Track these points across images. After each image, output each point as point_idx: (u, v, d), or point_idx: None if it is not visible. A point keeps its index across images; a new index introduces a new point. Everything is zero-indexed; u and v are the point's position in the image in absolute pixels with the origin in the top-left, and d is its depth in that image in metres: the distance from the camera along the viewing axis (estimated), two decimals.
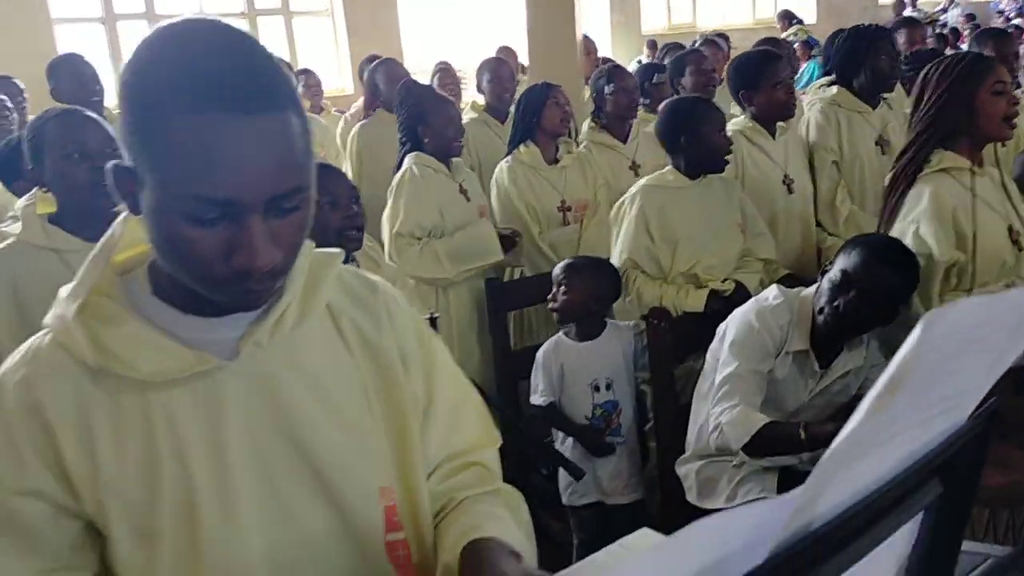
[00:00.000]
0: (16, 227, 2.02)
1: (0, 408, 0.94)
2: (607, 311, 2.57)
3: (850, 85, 3.07)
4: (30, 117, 2.56)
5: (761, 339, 1.99)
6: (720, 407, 1.94)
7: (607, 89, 3.42)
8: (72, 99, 3.31)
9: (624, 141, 3.46)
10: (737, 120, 2.98)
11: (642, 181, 2.67)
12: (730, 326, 2.06)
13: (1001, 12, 12.52)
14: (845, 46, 3.10)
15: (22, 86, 4.01)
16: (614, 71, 3.50)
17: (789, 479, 2.02)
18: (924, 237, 2.12)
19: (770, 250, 2.73)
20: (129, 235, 0.99)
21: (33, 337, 0.98)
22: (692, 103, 2.72)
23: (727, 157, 2.60)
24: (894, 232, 2.18)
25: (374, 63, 4.43)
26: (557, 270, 2.50)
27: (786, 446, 1.89)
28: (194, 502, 0.94)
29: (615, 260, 2.61)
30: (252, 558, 0.96)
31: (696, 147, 2.55)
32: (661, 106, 2.99)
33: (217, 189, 0.84)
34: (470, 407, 1.14)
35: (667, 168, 2.65)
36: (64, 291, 0.98)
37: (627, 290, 2.57)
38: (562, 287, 2.45)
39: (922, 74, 2.23)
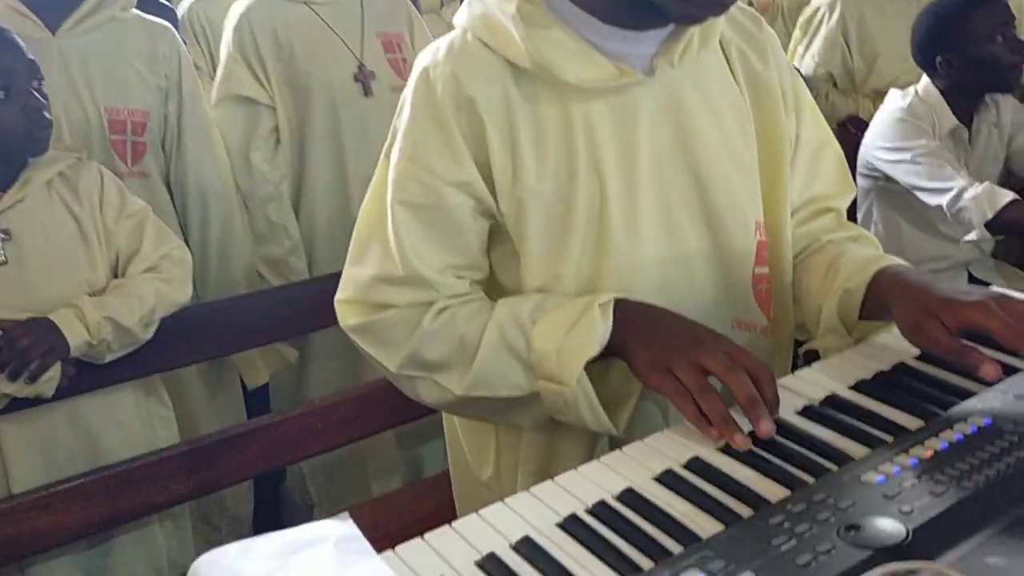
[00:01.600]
0: None
1: (432, 100, 0.96)
2: None
3: None
4: None
5: (919, 126, 2.00)
6: (946, 179, 1.92)
7: None
8: None
9: None
10: None
11: None
12: (874, 144, 2.05)
13: None
14: None
15: None
16: None
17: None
18: None
19: None
20: None
21: (448, 35, 0.99)
22: None
23: None
24: None
25: None
26: None
27: None
28: (605, 207, 0.97)
29: (806, 69, 2.54)
30: (646, 263, 0.99)
31: None
32: None
33: None
34: (830, 152, 1.14)
35: None
36: None
37: (821, 101, 2.51)
38: None
39: None
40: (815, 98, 2.49)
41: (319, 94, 2.07)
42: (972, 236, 1.95)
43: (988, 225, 1.87)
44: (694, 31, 0.98)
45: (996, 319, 0.86)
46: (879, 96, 2.46)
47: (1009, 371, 0.88)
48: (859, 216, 2.20)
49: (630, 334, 0.91)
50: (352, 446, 1.87)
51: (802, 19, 2.63)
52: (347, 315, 1.03)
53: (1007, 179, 2.18)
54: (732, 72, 1.04)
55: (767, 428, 0.81)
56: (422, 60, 0.99)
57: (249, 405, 2.17)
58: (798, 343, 1.14)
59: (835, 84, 2.52)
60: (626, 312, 0.92)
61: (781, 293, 1.09)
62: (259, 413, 1.97)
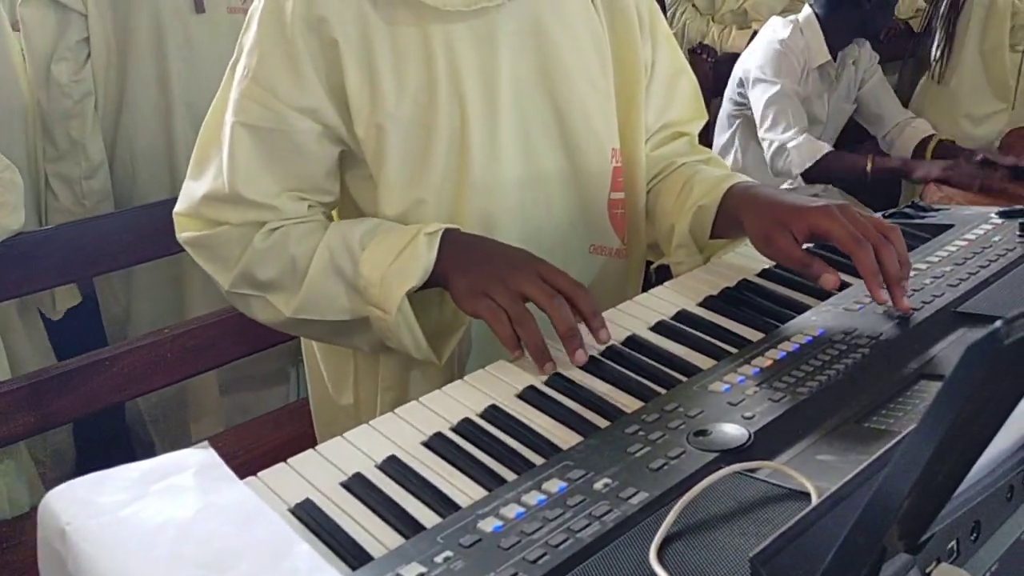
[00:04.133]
0: None
1: (281, 18, 0.92)
2: None
3: None
4: None
5: (790, 59, 2.12)
6: (777, 130, 2.04)
7: None
8: None
9: None
10: None
11: None
12: (750, 62, 2.16)
13: None
14: None
15: None
16: None
17: None
18: None
19: None
20: None
21: None
22: None
23: None
24: None
25: None
26: None
27: (847, 173, 2.04)
28: (465, 130, 0.97)
29: None
30: (506, 187, 1.01)
31: None
32: None
33: None
34: (685, 79, 1.17)
35: None
36: None
37: (673, 22, 2.58)
38: None
39: None
40: (670, 17, 2.58)
41: (143, 6, 1.89)
42: (788, 184, 2.09)
43: (805, 174, 2.01)
44: None
45: (837, 224, 0.91)
46: (735, 18, 2.57)
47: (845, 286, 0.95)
48: (719, 141, 2.29)
49: (453, 263, 0.91)
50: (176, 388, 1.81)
51: None
52: (182, 228, 1.01)
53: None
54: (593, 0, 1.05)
55: (580, 358, 0.84)
56: None
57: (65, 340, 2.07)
58: (649, 262, 1.19)
59: (694, 5, 2.60)
60: (452, 242, 0.93)
61: (635, 217, 1.13)
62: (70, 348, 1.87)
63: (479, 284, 0.89)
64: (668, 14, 2.59)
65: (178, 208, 1.01)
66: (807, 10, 2.19)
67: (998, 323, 0.36)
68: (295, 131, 0.94)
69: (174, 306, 2.04)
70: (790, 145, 2.03)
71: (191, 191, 1.00)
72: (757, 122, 2.11)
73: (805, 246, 0.94)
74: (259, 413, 1.87)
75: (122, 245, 1.70)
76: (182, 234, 1.01)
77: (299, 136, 0.95)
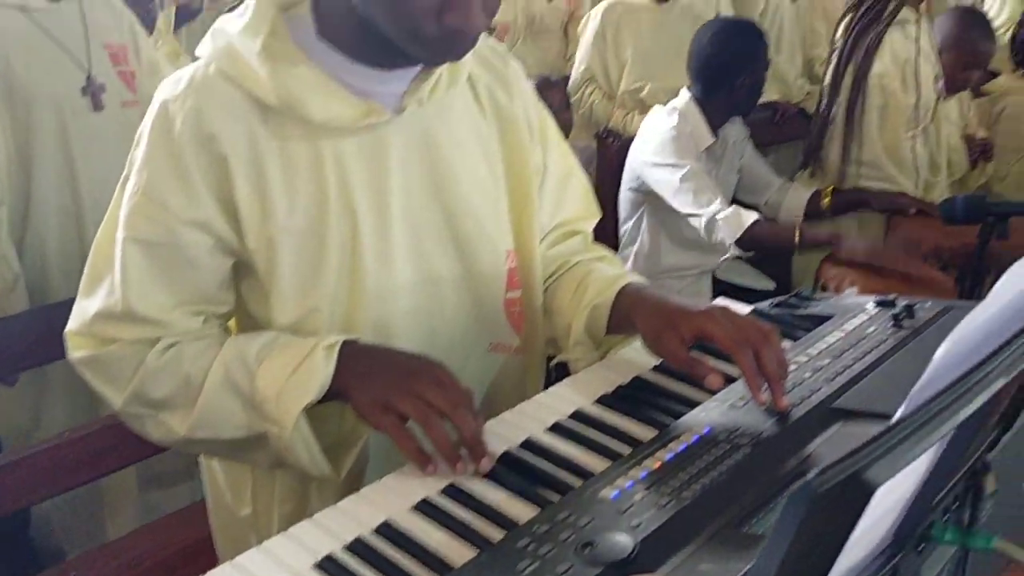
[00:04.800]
0: None
1: (170, 136, 0.93)
2: None
3: None
4: None
5: (687, 142, 2.22)
6: (701, 207, 2.11)
7: None
8: None
9: None
10: None
11: None
12: (645, 151, 2.24)
13: None
14: None
15: None
16: None
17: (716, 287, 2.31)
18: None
19: None
20: None
21: (190, 67, 0.96)
22: None
23: None
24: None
25: None
26: None
27: (777, 241, 2.10)
28: (357, 240, 0.98)
29: (574, 72, 2.70)
30: (400, 288, 1.02)
31: None
32: None
33: None
34: (577, 179, 1.21)
35: None
36: (228, 23, 0.95)
37: (581, 104, 2.67)
38: None
39: None
40: (578, 100, 2.67)
41: (43, 109, 1.87)
42: (728, 255, 2.18)
43: (738, 242, 2.08)
44: (443, 70, 1.01)
45: (720, 328, 0.95)
46: (635, 103, 2.67)
47: (730, 380, 0.99)
48: (625, 228, 2.36)
49: (352, 376, 0.92)
50: (92, 486, 1.76)
51: (579, 28, 2.81)
52: (75, 347, 1.00)
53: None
54: (480, 107, 1.08)
55: (462, 470, 0.86)
56: (161, 92, 0.95)
57: None
58: (549, 357, 1.21)
59: (598, 88, 2.70)
60: (350, 354, 0.93)
61: (532, 315, 1.15)
62: None
63: (380, 396, 0.90)
64: (575, 97, 2.69)
65: (70, 327, 1.00)
66: (685, 95, 2.28)
67: (812, 474, 0.39)
68: (187, 244, 0.95)
69: (87, 405, 1.98)
70: (719, 217, 2.09)
71: (83, 309, 0.99)
72: (677, 206, 2.17)
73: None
74: (173, 509, 1.83)
75: (32, 343, 1.66)
76: (74, 353, 0.99)
77: (191, 249, 0.95)
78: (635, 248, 2.36)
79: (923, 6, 2.39)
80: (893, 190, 2.36)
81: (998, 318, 0.58)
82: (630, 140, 2.52)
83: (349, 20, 0.93)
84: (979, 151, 2.77)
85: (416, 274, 1.03)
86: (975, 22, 2.63)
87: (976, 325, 0.55)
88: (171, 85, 0.95)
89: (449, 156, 1.04)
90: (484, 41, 1.12)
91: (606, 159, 2.48)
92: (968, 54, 2.54)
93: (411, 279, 1.03)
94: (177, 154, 0.93)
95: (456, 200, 1.04)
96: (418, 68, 1.00)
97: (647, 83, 2.66)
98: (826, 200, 2.35)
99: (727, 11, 3.18)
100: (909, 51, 2.34)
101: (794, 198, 2.39)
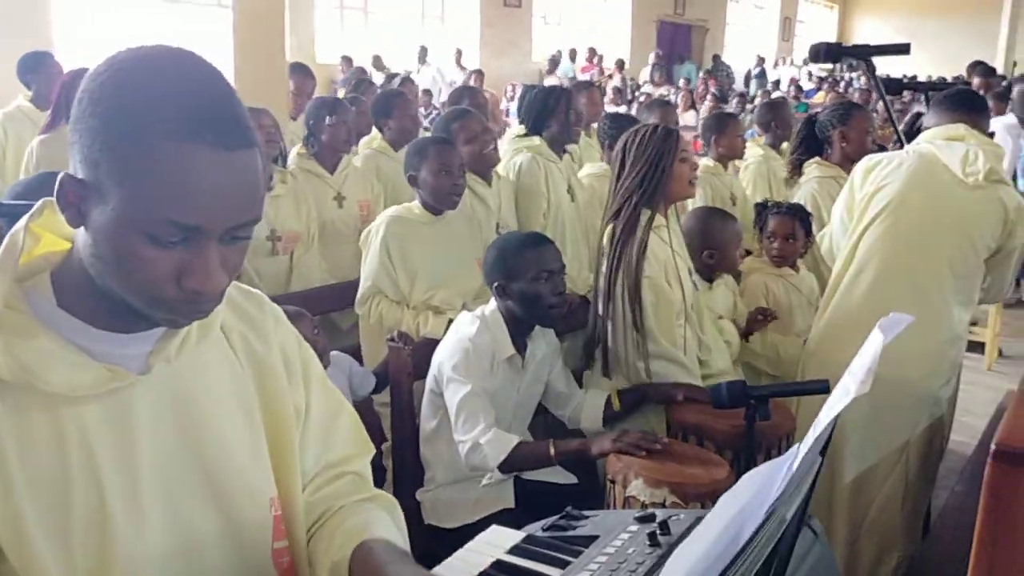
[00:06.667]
0: None
1: None
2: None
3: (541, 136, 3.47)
4: None
5: (478, 358, 2.25)
6: (470, 430, 2.15)
7: (328, 120, 3.46)
8: None
9: (332, 172, 3.52)
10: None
11: (389, 211, 2.83)
12: (443, 355, 2.29)
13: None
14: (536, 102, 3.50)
15: None
16: (336, 104, 3.59)
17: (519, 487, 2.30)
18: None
19: None
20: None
21: None
22: (425, 144, 2.88)
23: (454, 197, 2.79)
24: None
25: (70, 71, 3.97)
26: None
27: (537, 461, 2.16)
28: (105, 508, 0.94)
29: (360, 286, 2.74)
30: (156, 552, 0.97)
31: (425, 187, 2.76)
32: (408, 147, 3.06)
33: (189, 215, 0.87)
34: (344, 418, 1.21)
35: (414, 202, 2.83)
36: None
37: (369, 314, 2.71)
38: None
39: (621, 143, 2.61)
40: (366, 312, 2.70)
41: None
42: (488, 480, 2.22)
43: (500, 467, 2.14)
44: (192, 325, 1.01)
45: None
46: (428, 307, 2.72)
47: None
48: (426, 427, 2.33)
49: None
50: None
51: (361, 240, 2.86)
52: None
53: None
54: (236, 356, 1.09)
55: None
56: None
57: None
58: None
59: (385, 297, 2.73)
60: None
61: (301, 563, 1.12)
62: None
63: None
64: (363, 309, 2.73)
65: None
66: (492, 304, 2.35)
67: None
68: None
69: None
70: (483, 441, 2.13)
71: None
72: (452, 421, 2.21)
73: None
74: None
75: None
76: None
77: None
78: (432, 457, 2.35)
79: (669, 211, 2.63)
80: (683, 378, 2.50)
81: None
82: (421, 343, 2.55)
83: (89, 290, 0.93)
84: (755, 320, 2.98)
85: (174, 535, 0.99)
86: (710, 215, 2.97)
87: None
88: None
89: (205, 409, 1.02)
90: (238, 289, 1.14)
91: (398, 363, 2.47)
92: (708, 245, 2.85)
93: (169, 541, 0.99)
94: None
95: (215, 452, 1.02)
96: (164, 328, 0.99)
97: (437, 291, 2.74)
98: (616, 403, 2.46)
99: (509, 215, 3.38)
100: (666, 252, 2.56)
101: (590, 408, 2.46)
